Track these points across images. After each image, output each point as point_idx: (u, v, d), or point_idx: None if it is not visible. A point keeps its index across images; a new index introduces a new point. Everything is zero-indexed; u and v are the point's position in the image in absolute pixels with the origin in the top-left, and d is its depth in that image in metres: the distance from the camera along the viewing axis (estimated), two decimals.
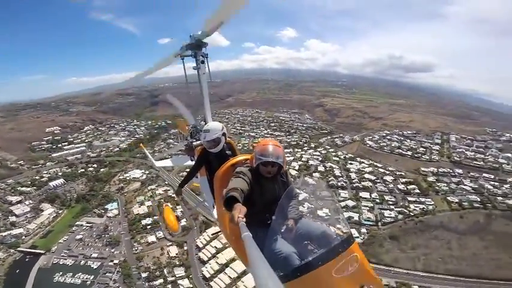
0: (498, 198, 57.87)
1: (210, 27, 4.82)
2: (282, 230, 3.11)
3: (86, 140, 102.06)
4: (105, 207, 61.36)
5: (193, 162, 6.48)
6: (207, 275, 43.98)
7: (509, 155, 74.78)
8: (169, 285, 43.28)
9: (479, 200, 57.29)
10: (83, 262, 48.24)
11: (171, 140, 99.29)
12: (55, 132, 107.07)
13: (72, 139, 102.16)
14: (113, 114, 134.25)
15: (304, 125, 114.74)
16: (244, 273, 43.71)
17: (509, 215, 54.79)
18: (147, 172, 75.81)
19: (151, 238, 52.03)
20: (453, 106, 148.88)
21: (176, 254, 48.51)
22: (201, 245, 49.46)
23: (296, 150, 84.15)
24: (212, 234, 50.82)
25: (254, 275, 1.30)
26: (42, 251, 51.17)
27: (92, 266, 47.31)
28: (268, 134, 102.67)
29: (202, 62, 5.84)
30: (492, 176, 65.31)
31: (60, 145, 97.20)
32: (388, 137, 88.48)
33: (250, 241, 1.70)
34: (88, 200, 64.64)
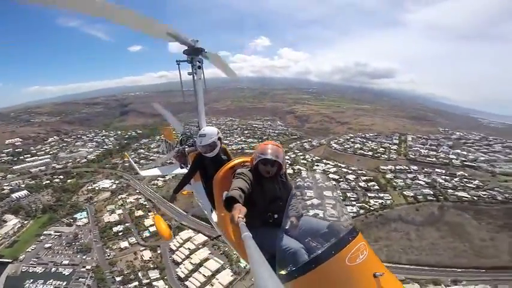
0: (449, 190, 64.42)
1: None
2: (286, 227, 3.21)
3: (51, 152, 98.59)
4: (74, 216, 60.52)
5: (183, 170, 6.70)
6: (182, 275, 45.61)
7: (459, 151, 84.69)
8: (145, 287, 44.25)
9: (432, 193, 63.21)
10: (53, 269, 47.72)
11: (141, 150, 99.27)
12: (16, 144, 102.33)
13: (35, 151, 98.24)
14: (80, 125, 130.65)
15: (276, 131, 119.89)
16: (218, 271, 46.27)
17: (459, 206, 60.50)
18: (117, 182, 75.63)
19: (123, 244, 52.54)
20: (412, 109, 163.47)
21: (150, 257, 49.51)
22: (174, 248, 50.99)
23: None
24: (185, 238, 52.80)
25: (254, 275, 1.30)
26: (9, 260, 49.89)
27: (63, 273, 46.95)
28: (241, 141, 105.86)
29: (199, 68, 5.87)
30: (443, 171, 72.99)
31: (22, 157, 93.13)
32: (352, 140, 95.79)
33: (250, 241, 1.70)
34: (55, 210, 63.26)
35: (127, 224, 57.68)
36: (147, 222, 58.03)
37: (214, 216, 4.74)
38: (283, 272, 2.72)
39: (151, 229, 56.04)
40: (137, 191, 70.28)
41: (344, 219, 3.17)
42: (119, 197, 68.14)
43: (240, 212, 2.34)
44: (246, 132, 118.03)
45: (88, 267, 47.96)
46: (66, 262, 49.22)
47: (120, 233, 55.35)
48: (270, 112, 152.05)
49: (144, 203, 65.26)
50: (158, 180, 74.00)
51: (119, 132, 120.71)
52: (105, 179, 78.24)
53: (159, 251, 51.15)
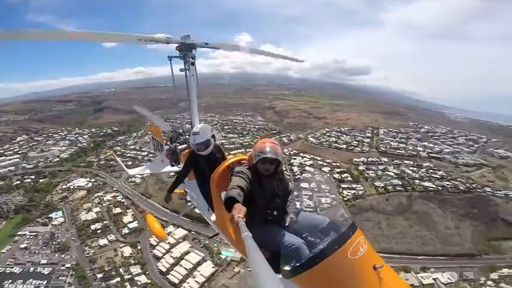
0: (416, 181, 68.67)
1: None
2: (287, 224, 3.31)
3: (20, 152, 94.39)
4: (49, 216, 59.31)
5: (174, 168, 6.71)
6: (164, 269, 46.68)
7: (426, 143, 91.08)
8: (127, 283, 44.81)
9: (401, 183, 66.84)
10: (32, 269, 47.18)
11: (118, 147, 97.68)
12: None
13: (2, 151, 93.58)
14: (51, 123, 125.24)
15: (256, 127, 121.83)
16: (199, 263, 47.65)
17: (425, 196, 64.21)
18: (92, 180, 74.47)
19: (102, 241, 52.60)
20: (386, 105, 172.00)
21: (130, 253, 50.04)
22: (154, 243, 51.75)
23: (248, 150, 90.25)
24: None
25: (254, 275, 1.30)
26: None
27: (42, 272, 46.54)
28: (221, 136, 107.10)
29: (192, 64, 5.76)
30: (411, 162, 77.85)
31: None
32: (328, 134, 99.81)
33: (250, 241, 1.72)
34: (28, 210, 61.53)
35: (105, 222, 57.51)
36: (126, 219, 58.27)
37: (211, 215, 4.68)
38: (287, 268, 2.82)
39: (131, 226, 56.48)
40: (114, 189, 69.72)
41: (342, 215, 3.23)
42: (96, 195, 67.29)
43: (240, 211, 2.38)
44: (226, 127, 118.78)
45: (68, 265, 47.76)
46: (44, 261, 48.66)
47: (99, 231, 55.21)
48: (251, 108, 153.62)
49: (122, 200, 65.03)
50: (136, 177, 73.73)
51: (94, 130, 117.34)
52: (80, 177, 76.67)
53: (139, 247, 51.73)
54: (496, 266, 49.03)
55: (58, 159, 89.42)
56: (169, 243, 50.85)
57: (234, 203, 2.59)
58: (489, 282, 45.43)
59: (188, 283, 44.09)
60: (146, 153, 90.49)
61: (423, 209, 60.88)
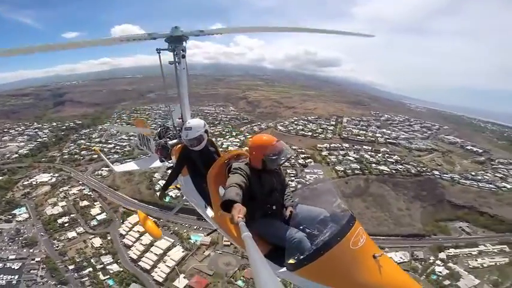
0: (373, 165, 75.04)
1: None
2: (286, 218, 3.44)
3: None
4: (13, 212, 58.31)
5: (163, 164, 6.66)
6: (135, 257, 48.89)
7: (384, 130, 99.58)
8: (99, 272, 46.43)
9: (359, 167, 72.63)
10: (1, 265, 47.37)
11: (82, 141, 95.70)
12: None
13: None
14: (6, 118, 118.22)
15: (228, 116, 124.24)
16: (169, 249, 50.16)
17: (381, 179, 69.77)
18: (56, 175, 73.21)
19: (71, 234, 53.32)
20: (352, 95, 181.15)
21: (100, 244, 51.47)
22: (124, 233, 53.66)
23: (219, 139, 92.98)
24: (133, 223, 55.25)
25: (255, 275, 1.32)
26: None
27: (12, 267, 46.93)
28: None
29: (183, 57, 5.59)
30: (370, 148, 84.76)
31: None
32: (296, 122, 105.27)
33: (250, 241, 1.74)
34: None
35: (72, 215, 57.85)
36: (94, 211, 59.07)
37: (209, 212, 4.68)
38: (291, 261, 2.96)
39: (99, 217, 57.50)
40: (80, 183, 69.56)
41: (340, 206, 3.34)
42: (61, 189, 66.67)
43: (239, 212, 2.44)
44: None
45: (37, 259, 48.28)
46: (12, 257, 48.83)
47: (66, 224, 55.60)
48: (223, 98, 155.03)
49: (89, 193, 65.34)
50: (102, 170, 73.96)
51: (54, 124, 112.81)
52: (42, 173, 74.87)
53: (109, 238, 53.25)
54: (444, 246, 53.76)
55: (17, 155, 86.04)
56: (138, 231, 52.77)
57: (232, 203, 2.64)
58: (438, 262, 49.15)
59: (159, 268, 46.84)
60: (113, 145, 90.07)
61: (378, 191, 65.87)
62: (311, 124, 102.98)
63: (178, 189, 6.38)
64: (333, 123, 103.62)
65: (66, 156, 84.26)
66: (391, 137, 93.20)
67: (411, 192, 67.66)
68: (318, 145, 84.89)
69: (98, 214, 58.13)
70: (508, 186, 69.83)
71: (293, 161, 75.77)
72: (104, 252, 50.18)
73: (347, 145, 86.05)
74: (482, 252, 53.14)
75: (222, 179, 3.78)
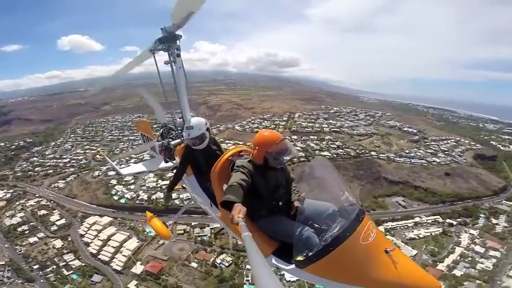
0: (317, 152, 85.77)
1: (178, 19, 4.79)
2: (293, 213, 3.52)
3: None
4: None
5: (168, 164, 7.03)
6: (94, 252, 55.32)
7: (331, 121, 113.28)
8: (63, 269, 51.93)
9: (304, 155, 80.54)
10: None
11: (35, 158, 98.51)
12: None
13: None
14: None
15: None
16: (125, 241, 56.87)
17: None
18: (11, 191, 76.89)
19: (32, 239, 58.29)
20: (308, 93, 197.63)
21: (62, 245, 57.04)
22: (83, 233, 59.88)
23: None
24: (91, 223, 62.14)
25: (255, 275, 1.36)
26: None
27: None
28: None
29: (178, 56, 5.70)
30: (316, 137, 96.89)
31: None
32: (252, 122, 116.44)
33: (250, 241, 1.80)
34: None
35: (32, 223, 62.81)
36: (53, 218, 64.43)
37: (214, 210, 4.80)
38: (300, 258, 3.07)
39: (59, 223, 63.05)
40: (37, 195, 74.12)
41: (349, 200, 3.41)
42: (17, 203, 70.94)
43: (239, 212, 2.52)
44: (155, 126, 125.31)
45: (2, 262, 52.69)
46: None
47: (27, 231, 60.50)
48: None
49: (47, 203, 70.35)
50: (58, 182, 79.35)
51: (3, 144, 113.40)
52: None
53: (69, 239, 59.15)
54: (382, 220, 59.58)
55: None
56: (96, 230, 59.58)
57: (233, 203, 2.72)
58: None
59: (117, 258, 53.65)
60: (68, 160, 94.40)
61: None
62: (266, 122, 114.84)
63: (184, 188, 6.53)
64: (285, 119, 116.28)
65: (19, 174, 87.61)
66: (336, 126, 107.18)
67: (350, 173, 79.25)
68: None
69: (58, 220, 63.57)
70: (438, 161, 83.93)
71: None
72: (65, 251, 55.79)
73: (295, 137, 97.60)
74: (418, 224, 59.99)
75: (225, 176, 3.83)
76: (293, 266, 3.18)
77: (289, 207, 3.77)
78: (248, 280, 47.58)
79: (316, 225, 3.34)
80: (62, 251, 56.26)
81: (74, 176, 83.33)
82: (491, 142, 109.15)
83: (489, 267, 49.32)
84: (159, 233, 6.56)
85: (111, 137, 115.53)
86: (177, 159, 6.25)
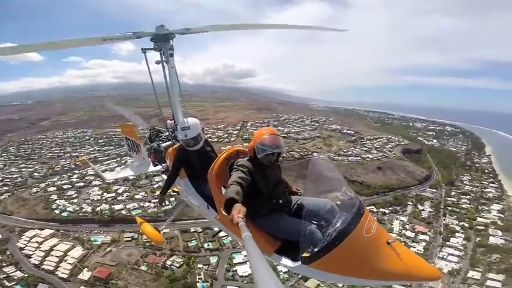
0: None
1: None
2: (293, 210, 3.70)
3: None
4: None
5: (157, 168, 6.97)
6: (37, 263, 55.27)
7: (280, 127, 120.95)
8: (4, 280, 51.03)
9: None
10: None
11: None
12: None
13: None
14: None
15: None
16: (69, 250, 57.22)
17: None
18: None
19: None
20: (262, 102, 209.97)
21: (0, 259, 56.12)
22: (23, 246, 59.45)
23: (125, 158, 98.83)
24: (31, 236, 61.89)
25: (254, 275, 1.37)
26: None
27: None
28: (95, 150, 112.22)
29: (171, 55, 5.70)
30: None
31: None
32: (205, 132, 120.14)
33: (250, 241, 1.82)
34: None
35: None
36: None
37: (211, 212, 4.81)
38: (306, 254, 3.17)
39: None
40: None
41: (347, 194, 3.60)
42: None
43: (239, 212, 2.58)
44: (100, 141, 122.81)
45: None
46: None
47: None
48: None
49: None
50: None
51: None
52: None
53: (8, 253, 58.21)
54: None
55: None
56: (36, 242, 59.63)
57: (233, 203, 2.78)
58: None
59: (62, 266, 54.40)
60: (0, 178, 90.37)
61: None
62: (219, 131, 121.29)
63: (177, 192, 6.50)
64: (238, 128, 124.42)
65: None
66: (284, 132, 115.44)
67: (294, 173, 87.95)
68: (222, 148, 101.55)
69: None
70: (371, 157, 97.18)
71: None
72: (5, 264, 55.01)
73: (246, 144, 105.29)
74: None
75: (223, 177, 3.93)
76: (299, 263, 3.31)
77: (289, 205, 3.96)
78: (201, 278, 50.65)
79: (317, 222, 3.45)
80: (1, 264, 55.40)
81: (8, 194, 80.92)
82: (419, 138, 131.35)
83: (421, 251, 54.09)
84: (151, 238, 6.58)
85: (50, 154, 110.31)
86: (168, 162, 6.23)
